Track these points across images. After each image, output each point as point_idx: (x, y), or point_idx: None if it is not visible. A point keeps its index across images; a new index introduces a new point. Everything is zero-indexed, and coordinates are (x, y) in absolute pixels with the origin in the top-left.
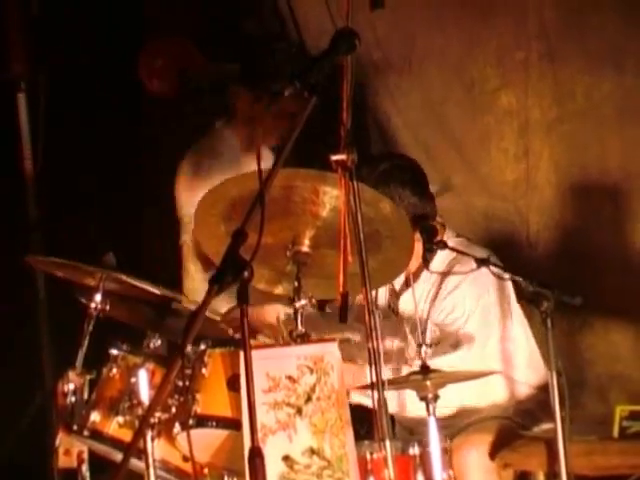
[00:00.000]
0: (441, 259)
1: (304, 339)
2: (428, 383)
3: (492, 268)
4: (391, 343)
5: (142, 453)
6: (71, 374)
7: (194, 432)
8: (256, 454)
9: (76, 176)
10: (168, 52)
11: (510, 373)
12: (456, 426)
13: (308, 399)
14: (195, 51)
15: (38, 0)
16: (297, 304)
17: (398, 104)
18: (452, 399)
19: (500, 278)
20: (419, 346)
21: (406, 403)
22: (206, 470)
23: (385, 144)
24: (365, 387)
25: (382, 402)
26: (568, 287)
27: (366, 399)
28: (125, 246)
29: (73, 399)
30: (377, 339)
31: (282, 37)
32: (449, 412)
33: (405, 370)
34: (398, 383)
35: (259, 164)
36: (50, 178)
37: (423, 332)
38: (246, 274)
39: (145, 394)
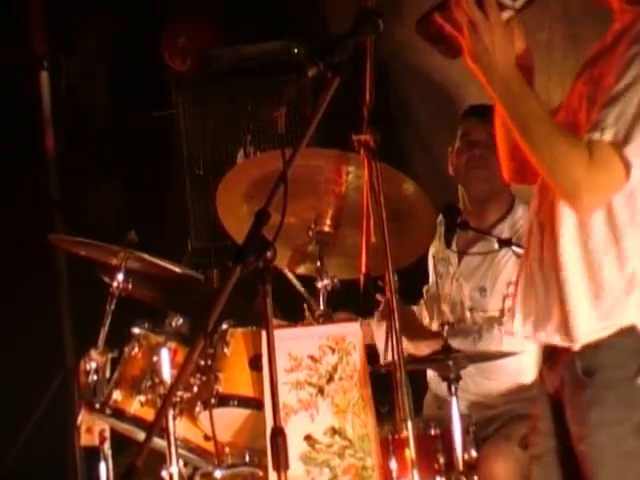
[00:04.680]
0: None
1: (326, 319)
2: (450, 363)
3: (514, 249)
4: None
5: (164, 432)
6: (93, 353)
7: (216, 411)
8: (278, 434)
9: (98, 155)
10: (190, 32)
11: None
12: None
13: (330, 379)
14: (217, 32)
15: None
16: (319, 284)
17: (419, 82)
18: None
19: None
20: (441, 325)
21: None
22: (228, 449)
23: (407, 122)
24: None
25: (403, 382)
26: None
27: None
28: (147, 224)
29: (95, 377)
30: (397, 320)
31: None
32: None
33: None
34: (420, 363)
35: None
36: (72, 157)
37: None
38: (269, 254)
39: (167, 373)
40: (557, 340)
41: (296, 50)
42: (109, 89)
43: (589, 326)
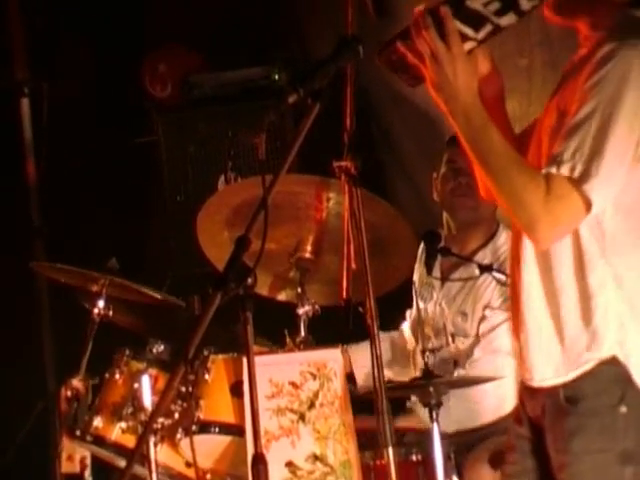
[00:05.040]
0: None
1: (307, 345)
2: (431, 389)
3: (495, 274)
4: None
5: (145, 459)
6: (74, 380)
7: (197, 438)
8: (259, 460)
9: (79, 182)
10: (170, 58)
11: None
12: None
13: (311, 405)
14: (197, 58)
15: (41, 7)
16: (300, 310)
17: (401, 109)
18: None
19: (503, 284)
20: (423, 352)
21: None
22: (209, 476)
23: (389, 150)
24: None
25: (384, 408)
26: None
27: None
28: (128, 251)
29: (76, 404)
30: (379, 346)
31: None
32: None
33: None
34: (402, 389)
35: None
36: (53, 184)
37: None
38: (250, 281)
39: (148, 400)
40: (525, 378)
41: (277, 76)
42: (90, 116)
43: (552, 371)
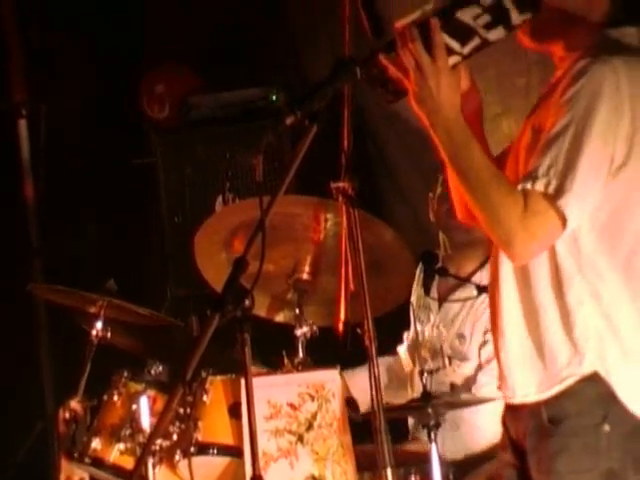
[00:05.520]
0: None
1: (305, 367)
2: (430, 410)
3: None
4: None
5: None
6: (72, 401)
7: (195, 459)
8: None
9: (77, 203)
10: (168, 79)
11: None
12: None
13: (309, 426)
14: (195, 78)
15: (39, 28)
16: (298, 331)
17: (397, 129)
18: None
19: None
20: (421, 373)
21: None
22: None
23: (385, 169)
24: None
25: (383, 429)
26: None
27: None
28: (126, 272)
29: (74, 426)
30: (377, 366)
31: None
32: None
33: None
34: (401, 410)
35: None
36: (51, 205)
37: None
38: (247, 303)
39: (146, 421)
40: (507, 396)
41: (275, 97)
42: (88, 137)
43: (534, 387)
